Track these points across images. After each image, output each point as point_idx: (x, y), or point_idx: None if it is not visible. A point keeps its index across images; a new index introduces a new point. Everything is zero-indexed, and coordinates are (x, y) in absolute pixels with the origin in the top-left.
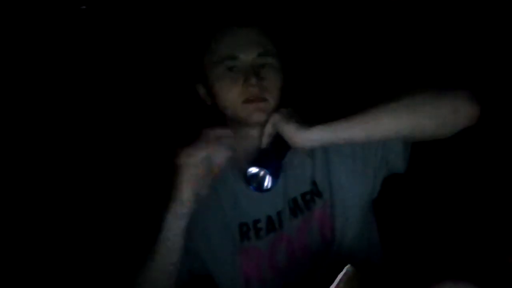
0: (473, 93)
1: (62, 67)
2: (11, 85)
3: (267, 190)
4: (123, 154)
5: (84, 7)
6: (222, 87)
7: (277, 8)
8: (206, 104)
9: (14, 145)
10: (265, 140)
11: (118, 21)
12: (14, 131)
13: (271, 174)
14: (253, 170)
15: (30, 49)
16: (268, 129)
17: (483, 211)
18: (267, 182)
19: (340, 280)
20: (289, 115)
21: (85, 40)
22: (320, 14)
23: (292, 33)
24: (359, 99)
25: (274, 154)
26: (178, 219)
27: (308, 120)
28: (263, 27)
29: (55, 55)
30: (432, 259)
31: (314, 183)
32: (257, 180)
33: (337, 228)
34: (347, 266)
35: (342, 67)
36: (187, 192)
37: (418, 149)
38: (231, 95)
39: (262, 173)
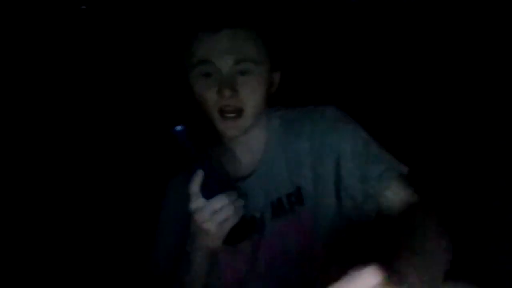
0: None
1: (62, 67)
2: (11, 85)
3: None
4: (124, 153)
5: (84, 7)
6: (198, 93)
7: (266, 7)
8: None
9: (14, 145)
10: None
11: (118, 21)
12: (14, 131)
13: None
14: None
15: (30, 49)
16: None
17: (482, 211)
18: None
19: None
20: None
21: (85, 40)
22: (315, 15)
23: (284, 34)
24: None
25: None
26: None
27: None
28: (246, 30)
29: (55, 55)
30: None
31: (298, 188)
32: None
33: (319, 234)
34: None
35: (337, 68)
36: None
37: (419, 151)
38: (207, 102)
39: None
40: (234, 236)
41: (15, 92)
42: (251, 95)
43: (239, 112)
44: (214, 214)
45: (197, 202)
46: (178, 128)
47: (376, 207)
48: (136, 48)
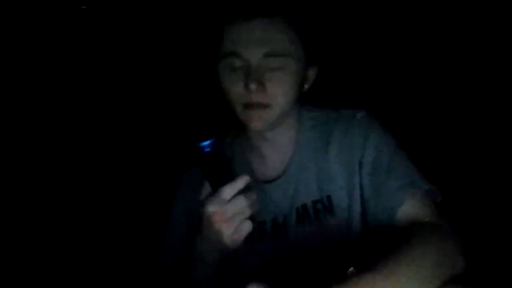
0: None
1: (62, 67)
2: (12, 85)
3: None
4: (125, 154)
5: (84, 7)
6: (224, 85)
7: None
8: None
9: (14, 145)
10: None
11: (118, 21)
12: (14, 131)
13: None
14: None
15: (30, 49)
16: None
17: (482, 211)
18: None
19: None
20: None
21: (85, 40)
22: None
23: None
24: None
25: None
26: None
27: None
28: (279, 20)
29: (55, 55)
30: None
31: (328, 197)
32: None
33: (347, 244)
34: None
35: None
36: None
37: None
38: (232, 95)
39: None
40: None
41: (15, 91)
42: (279, 91)
43: (265, 106)
44: (232, 217)
45: (217, 202)
46: (206, 143)
47: (389, 221)
48: (138, 48)
